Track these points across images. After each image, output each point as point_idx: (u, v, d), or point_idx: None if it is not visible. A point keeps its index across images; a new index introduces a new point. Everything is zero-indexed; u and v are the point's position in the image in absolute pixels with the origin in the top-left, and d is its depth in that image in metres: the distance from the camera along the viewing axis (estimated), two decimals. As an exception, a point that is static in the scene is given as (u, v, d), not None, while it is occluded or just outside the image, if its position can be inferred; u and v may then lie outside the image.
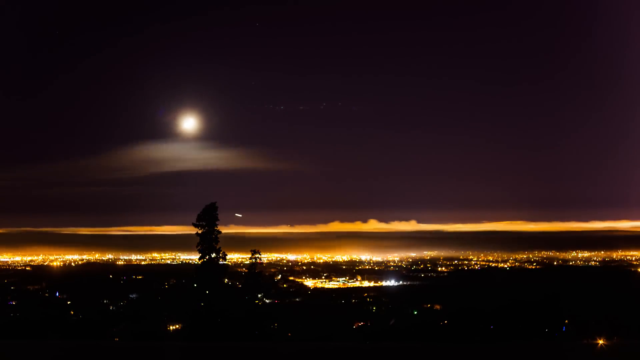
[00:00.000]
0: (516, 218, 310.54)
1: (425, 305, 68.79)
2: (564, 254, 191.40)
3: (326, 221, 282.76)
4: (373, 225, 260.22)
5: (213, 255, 31.75)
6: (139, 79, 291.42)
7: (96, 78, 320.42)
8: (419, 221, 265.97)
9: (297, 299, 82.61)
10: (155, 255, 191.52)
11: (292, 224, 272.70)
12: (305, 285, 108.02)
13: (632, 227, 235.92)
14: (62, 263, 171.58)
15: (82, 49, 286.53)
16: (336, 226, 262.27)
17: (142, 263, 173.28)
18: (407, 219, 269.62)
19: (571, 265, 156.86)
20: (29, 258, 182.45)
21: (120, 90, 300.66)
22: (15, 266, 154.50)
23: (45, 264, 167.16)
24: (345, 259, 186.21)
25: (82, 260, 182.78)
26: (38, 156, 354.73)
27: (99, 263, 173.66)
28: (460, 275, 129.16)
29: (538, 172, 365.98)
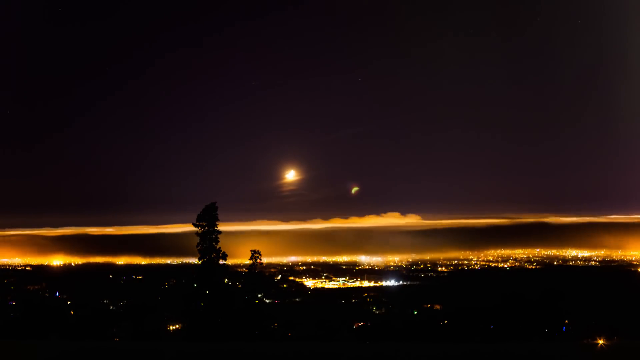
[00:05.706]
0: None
1: (425, 305, 68.79)
2: (564, 253, 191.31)
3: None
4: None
5: (213, 255, 31.54)
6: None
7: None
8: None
9: (297, 299, 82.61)
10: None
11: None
12: (305, 286, 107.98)
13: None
14: (62, 263, 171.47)
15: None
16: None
17: (142, 263, 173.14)
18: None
19: (571, 265, 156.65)
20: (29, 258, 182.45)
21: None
22: (15, 266, 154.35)
23: (45, 264, 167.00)
24: (346, 259, 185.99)
25: (82, 260, 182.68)
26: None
27: (99, 263, 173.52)
28: (460, 275, 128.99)
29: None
